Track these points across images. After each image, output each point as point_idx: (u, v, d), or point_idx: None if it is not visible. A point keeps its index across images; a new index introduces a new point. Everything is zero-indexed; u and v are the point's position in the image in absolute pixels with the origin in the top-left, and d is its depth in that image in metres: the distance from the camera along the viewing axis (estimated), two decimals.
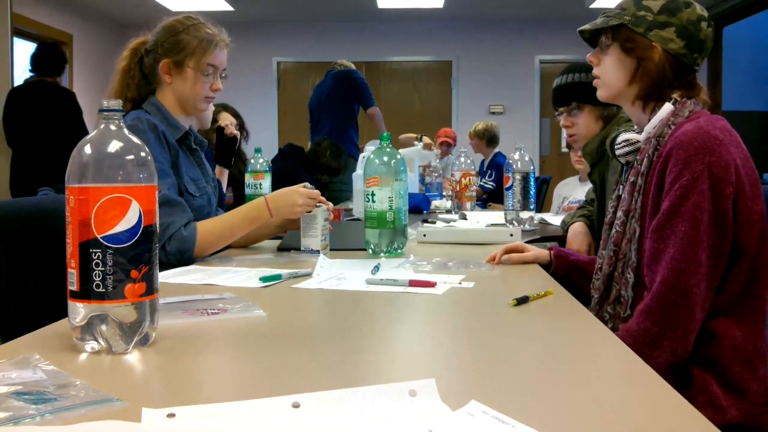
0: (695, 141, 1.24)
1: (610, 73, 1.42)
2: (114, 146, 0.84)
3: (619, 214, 1.41)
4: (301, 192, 1.79)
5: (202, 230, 1.76)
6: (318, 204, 1.80)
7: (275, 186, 2.90)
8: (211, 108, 2.60)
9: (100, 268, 0.82)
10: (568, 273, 1.61)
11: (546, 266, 1.60)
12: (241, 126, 3.65)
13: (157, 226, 0.87)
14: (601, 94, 1.47)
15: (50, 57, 4.78)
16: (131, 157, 0.84)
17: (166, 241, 1.72)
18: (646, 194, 1.34)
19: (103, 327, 0.83)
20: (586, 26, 1.46)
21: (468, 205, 3.21)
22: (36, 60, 4.77)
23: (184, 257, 1.73)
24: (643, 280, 1.32)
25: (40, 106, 4.67)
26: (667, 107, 1.36)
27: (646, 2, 1.38)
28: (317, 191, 1.83)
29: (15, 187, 4.77)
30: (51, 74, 4.75)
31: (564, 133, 2.25)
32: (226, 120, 3.53)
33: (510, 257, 1.60)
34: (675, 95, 1.37)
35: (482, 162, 5.99)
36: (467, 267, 1.52)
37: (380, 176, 1.73)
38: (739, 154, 1.27)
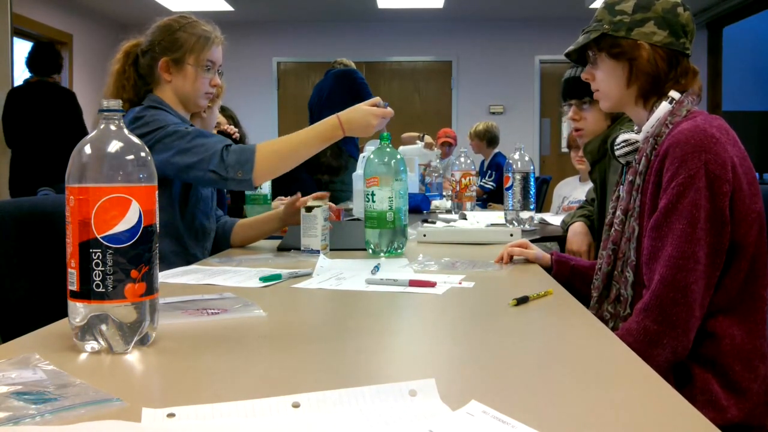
0: (692, 139, 1.25)
1: (606, 83, 1.44)
2: (114, 146, 0.84)
3: (618, 213, 1.42)
4: (376, 112, 1.75)
5: (264, 144, 1.71)
6: (319, 204, 1.79)
7: (275, 185, 2.90)
8: (216, 113, 2.60)
9: (100, 268, 0.82)
10: (569, 278, 1.61)
11: (547, 270, 1.61)
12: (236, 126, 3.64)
13: (157, 226, 0.87)
14: (604, 105, 1.48)
15: (47, 56, 4.77)
16: (131, 157, 0.84)
17: (223, 152, 1.68)
18: (644, 193, 1.35)
19: (103, 327, 0.83)
20: (570, 47, 1.49)
21: (468, 205, 3.21)
22: (33, 60, 4.75)
23: (244, 169, 1.68)
24: (642, 278, 1.32)
25: (41, 106, 4.66)
26: (665, 107, 1.36)
27: (618, 7, 1.40)
28: (391, 110, 1.78)
29: (14, 187, 4.76)
30: (50, 73, 4.75)
31: (564, 132, 2.25)
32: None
33: (512, 251, 1.62)
34: (674, 88, 1.38)
35: (482, 162, 6.00)
36: (473, 267, 1.52)
37: (380, 176, 1.73)
38: (737, 152, 1.27)
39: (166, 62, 1.85)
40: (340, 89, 5.05)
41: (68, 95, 4.86)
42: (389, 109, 1.77)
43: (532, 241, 1.77)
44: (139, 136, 1.74)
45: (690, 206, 1.23)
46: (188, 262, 1.81)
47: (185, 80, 1.87)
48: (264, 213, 2.12)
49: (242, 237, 2.04)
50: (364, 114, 1.74)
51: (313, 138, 1.75)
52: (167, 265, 1.73)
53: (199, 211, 1.92)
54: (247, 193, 2.69)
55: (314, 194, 1.88)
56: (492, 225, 2.35)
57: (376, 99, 1.79)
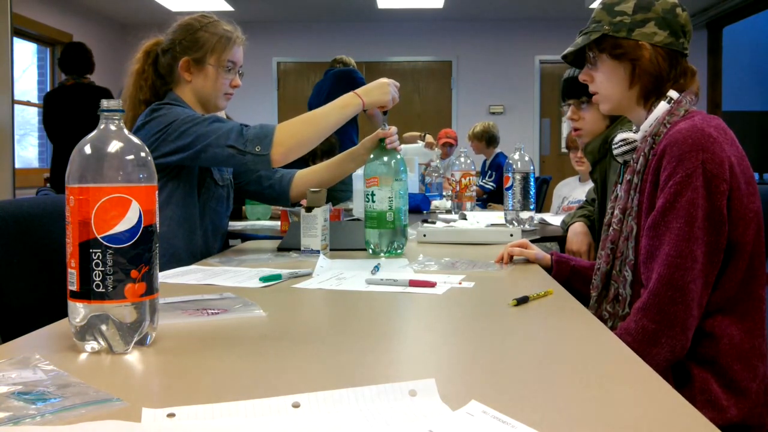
0: (689, 138, 1.25)
1: (607, 85, 1.43)
2: (114, 146, 0.84)
3: (616, 212, 1.42)
4: (390, 80, 1.81)
5: (284, 122, 1.72)
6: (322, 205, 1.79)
7: None
8: (222, 113, 2.60)
9: (100, 268, 0.82)
10: (569, 278, 1.61)
11: (547, 270, 1.61)
12: None
13: (157, 225, 0.87)
14: (604, 108, 1.47)
15: (79, 57, 4.81)
16: (131, 157, 0.84)
17: (242, 128, 1.69)
18: (641, 192, 1.35)
19: (103, 327, 0.83)
20: (569, 49, 1.48)
21: (468, 205, 3.21)
22: (65, 61, 4.79)
23: (263, 144, 1.68)
24: (641, 277, 1.32)
25: (80, 107, 4.68)
26: (663, 106, 1.37)
27: (618, 8, 1.39)
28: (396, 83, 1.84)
29: (56, 180, 4.84)
30: (83, 74, 4.79)
31: (564, 133, 2.26)
32: None
33: (512, 251, 1.62)
34: (672, 88, 1.38)
35: (484, 162, 6.00)
36: (473, 267, 1.52)
37: (380, 176, 1.73)
38: (734, 152, 1.27)
39: (187, 62, 1.85)
40: (339, 89, 5.03)
41: (106, 94, 4.88)
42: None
43: (532, 241, 1.77)
44: (157, 129, 1.75)
45: (687, 205, 1.23)
46: (198, 259, 1.81)
47: (206, 80, 1.87)
48: (328, 161, 2.07)
49: (309, 187, 1.96)
50: (376, 81, 1.79)
51: (331, 109, 1.76)
52: (177, 261, 1.73)
53: (211, 209, 1.91)
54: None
55: (379, 132, 1.81)
56: (492, 225, 2.35)
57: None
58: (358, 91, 1.77)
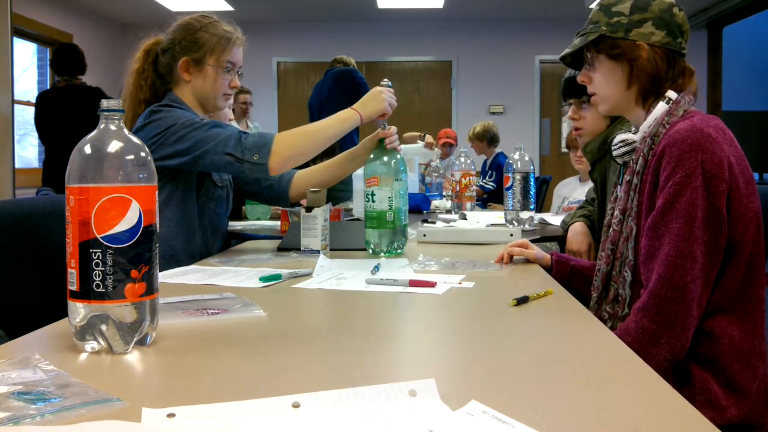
0: (688, 138, 1.25)
1: (605, 85, 1.43)
2: (114, 146, 0.84)
3: (616, 213, 1.42)
4: (384, 88, 1.82)
5: (283, 132, 1.73)
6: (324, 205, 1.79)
7: None
8: (228, 112, 2.60)
9: (100, 268, 0.82)
10: (569, 279, 1.61)
11: (547, 270, 1.61)
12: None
13: (157, 226, 0.87)
14: (603, 108, 1.47)
15: (71, 58, 4.80)
16: (131, 157, 0.84)
17: (241, 136, 1.70)
18: (641, 192, 1.35)
19: (103, 327, 0.83)
20: (566, 50, 1.48)
21: (468, 205, 3.21)
22: (57, 62, 4.78)
23: (261, 153, 1.68)
24: (640, 278, 1.32)
25: (73, 109, 4.67)
26: (662, 106, 1.37)
27: (615, 8, 1.39)
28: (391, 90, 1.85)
29: (49, 181, 4.82)
30: (76, 74, 4.78)
31: (564, 132, 2.25)
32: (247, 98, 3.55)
33: (512, 251, 1.62)
34: (671, 88, 1.38)
35: (484, 162, 6.00)
36: (473, 267, 1.52)
37: (380, 176, 1.73)
38: (733, 152, 1.27)
39: (186, 62, 1.85)
40: (339, 89, 5.05)
41: (98, 94, 4.88)
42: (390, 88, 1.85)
43: (532, 241, 1.77)
44: (157, 132, 1.76)
45: (687, 205, 1.23)
46: (197, 259, 1.81)
47: (205, 81, 1.87)
48: (327, 161, 2.07)
49: (308, 187, 1.95)
50: (370, 91, 1.81)
51: (330, 123, 1.77)
52: (176, 262, 1.73)
53: (210, 210, 1.91)
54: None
55: (379, 132, 1.82)
56: (492, 225, 2.35)
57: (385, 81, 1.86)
58: (355, 105, 1.79)
